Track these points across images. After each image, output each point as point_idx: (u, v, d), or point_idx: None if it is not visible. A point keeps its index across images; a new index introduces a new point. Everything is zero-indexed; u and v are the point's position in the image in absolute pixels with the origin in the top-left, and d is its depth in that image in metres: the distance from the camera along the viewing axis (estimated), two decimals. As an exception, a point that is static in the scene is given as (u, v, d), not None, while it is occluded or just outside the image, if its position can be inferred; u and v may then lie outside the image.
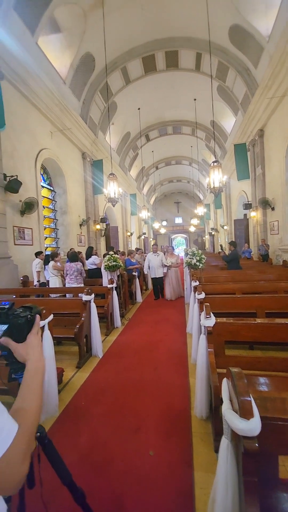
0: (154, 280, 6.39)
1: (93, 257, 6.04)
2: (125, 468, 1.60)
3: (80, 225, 9.29)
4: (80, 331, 3.03)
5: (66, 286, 4.57)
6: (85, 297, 3.26)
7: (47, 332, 2.24)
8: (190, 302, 4.04)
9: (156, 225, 24.45)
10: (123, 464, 1.63)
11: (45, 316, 2.29)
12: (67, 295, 4.26)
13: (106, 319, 4.17)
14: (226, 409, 1.04)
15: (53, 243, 8.23)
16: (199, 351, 2.22)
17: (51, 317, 2.37)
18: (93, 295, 3.41)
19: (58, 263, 5.04)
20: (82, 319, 3.15)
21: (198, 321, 2.91)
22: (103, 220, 10.90)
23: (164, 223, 35.14)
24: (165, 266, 6.19)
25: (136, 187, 19.13)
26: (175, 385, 2.53)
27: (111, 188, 7.22)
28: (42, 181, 7.68)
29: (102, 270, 4.85)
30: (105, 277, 4.80)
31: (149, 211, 21.03)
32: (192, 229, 26.64)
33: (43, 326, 2.24)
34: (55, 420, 2.07)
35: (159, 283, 6.37)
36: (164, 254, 6.91)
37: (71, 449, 1.76)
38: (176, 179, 25.02)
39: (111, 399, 2.33)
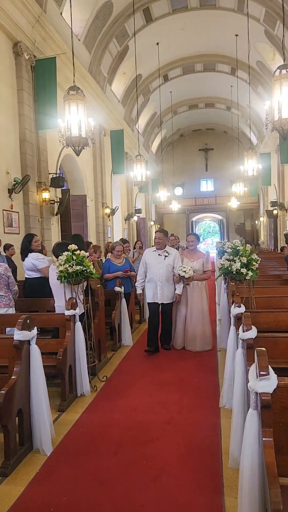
0: (154, 308, 6.23)
1: (33, 255, 6.03)
2: None
3: (11, 190, 9.35)
4: (8, 402, 3.04)
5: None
6: (18, 335, 3.28)
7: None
8: (228, 347, 4.13)
9: (162, 194, 24.65)
10: None
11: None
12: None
13: (61, 379, 4.23)
14: None
15: None
16: (245, 444, 2.27)
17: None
18: (35, 331, 3.44)
19: None
20: (14, 377, 3.17)
21: (244, 383, 2.95)
22: (57, 182, 11.03)
23: (179, 191, 35.48)
24: (180, 278, 6.03)
25: (123, 118, 19.43)
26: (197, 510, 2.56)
27: (73, 118, 7.30)
28: None
29: (53, 281, 4.89)
30: (59, 294, 4.84)
31: (149, 166, 21.19)
32: (233, 204, 26.97)
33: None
34: None
35: (165, 315, 6.26)
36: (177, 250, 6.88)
37: None
38: (205, 101, 27.02)
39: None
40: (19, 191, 9.58)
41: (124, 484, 2.86)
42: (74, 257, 4.65)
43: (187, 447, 3.35)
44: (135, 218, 22.91)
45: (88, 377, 4.61)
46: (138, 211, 23.38)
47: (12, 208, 9.41)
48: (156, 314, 6.24)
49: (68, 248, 4.80)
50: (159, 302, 6.16)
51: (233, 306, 4.17)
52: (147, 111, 23.79)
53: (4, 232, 8.93)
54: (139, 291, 6.45)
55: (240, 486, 2.28)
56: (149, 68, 19.10)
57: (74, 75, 7.92)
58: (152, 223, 29.65)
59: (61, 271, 4.60)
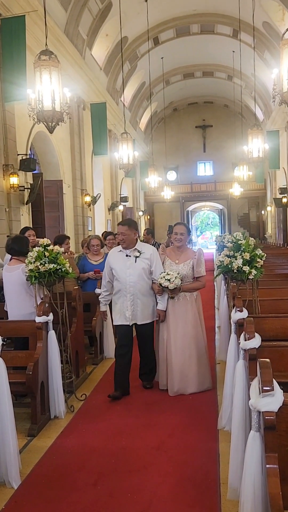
0: (124, 332, 5.21)
1: None
2: None
3: (-29, 175, 9.28)
4: None
5: None
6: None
7: None
8: (228, 358, 4.16)
9: (152, 179, 24.65)
10: None
11: None
12: None
13: (31, 398, 4.26)
14: None
15: None
16: (245, 472, 2.30)
17: None
18: (0, 341, 3.44)
19: None
20: (-27, 397, 3.15)
21: (245, 400, 2.98)
22: (27, 164, 10.96)
23: (172, 176, 35.47)
24: (161, 288, 5.03)
25: (106, 88, 19.42)
26: None
27: (45, 88, 7.27)
28: None
29: (11, 284, 4.91)
30: (21, 299, 4.88)
31: (137, 147, 21.13)
32: (236, 191, 27.09)
33: None
34: None
35: (143, 340, 5.32)
36: (157, 248, 5.95)
37: None
38: (203, 69, 27.20)
39: None
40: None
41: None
42: (47, 254, 4.65)
43: (180, 477, 3.37)
44: (121, 207, 22.90)
45: (63, 395, 4.60)
46: (124, 199, 23.35)
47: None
48: (127, 342, 5.19)
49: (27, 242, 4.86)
50: (130, 324, 5.14)
51: (233, 311, 4.19)
52: (135, 81, 23.74)
53: None
54: (102, 308, 5.55)
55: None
56: (137, 29, 19.00)
57: (46, 37, 7.85)
58: (140, 213, 29.68)
59: (31, 270, 4.59)
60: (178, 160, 34.62)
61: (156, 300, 5.20)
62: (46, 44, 7.53)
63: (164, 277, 4.88)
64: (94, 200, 17.66)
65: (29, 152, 11.98)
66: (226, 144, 32.38)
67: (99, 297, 5.58)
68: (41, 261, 4.61)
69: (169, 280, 4.84)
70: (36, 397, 4.20)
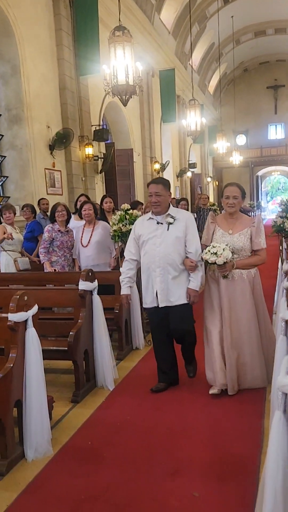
0: (157, 318, 4.43)
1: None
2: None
3: (52, 146, 10.37)
4: (76, 341, 4.26)
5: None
6: (83, 285, 4.46)
7: (31, 331, 3.46)
8: (277, 314, 4.56)
9: (221, 145, 25.01)
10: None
11: (24, 305, 3.42)
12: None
13: (118, 331, 5.46)
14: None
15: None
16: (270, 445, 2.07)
17: (35, 308, 3.57)
18: (96, 283, 4.62)
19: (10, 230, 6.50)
20: (80, 321, 4.38)
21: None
22: (101, 135, 11.88)
23: (241, 140, 35.32)
24: (193, 264, 4.21)
25: (174, 53, 19.83)
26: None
27: (119, 63, 7.90)
28: None
29: (102, 240, 6.02)
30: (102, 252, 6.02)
31: (205, 112, 21.50)
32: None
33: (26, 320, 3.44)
34: (50, 460, 3.36)
35: (179, 328, 4.39)
36: (199, 216, 5.50)
37: (78, 491, 3.00)
38: (275, 26, 26.87)
39: (133, 440, 3.59)
40: (61, 148, 10.52)
41: (178, 411, 4.02)
42: (127, 217, 5.80)
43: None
44: (189, 174, 23.55)
45: (142, 331, 5.79)
46: (193, 165, 23.89)
47: (54, 167, 10.45)
48: (161, 330, 4.47)
49: (120, 208, 5.96)
50: (161, 306, 4.27)
51: (286, 279, 4.10)
52: (203, 42, 23.97)
53: (47, 193, 10.03)
54: (124, 290, 4.55)
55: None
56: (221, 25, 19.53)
57: (119, 13, 8.35)
58: (209, 179, 30.16)
59: (115, 231, 5.78)
60: (248, 124, 34.53)
61: (188, 277, 4.30)
62: (119, 20, 8.07)
63: (209, 250, 3.99)
64: (163, 167, 18.39)
65: (101, 122, 12.79)
66: (300, 104, 31.89)
67: (120, 277, 4.58)
68: (123, 223, 5.80)
69: (215, 253, 3.92)
70: (122, 330, 5.41)
